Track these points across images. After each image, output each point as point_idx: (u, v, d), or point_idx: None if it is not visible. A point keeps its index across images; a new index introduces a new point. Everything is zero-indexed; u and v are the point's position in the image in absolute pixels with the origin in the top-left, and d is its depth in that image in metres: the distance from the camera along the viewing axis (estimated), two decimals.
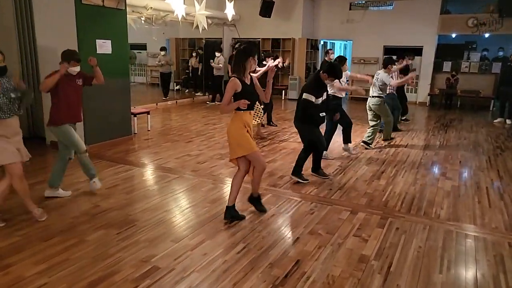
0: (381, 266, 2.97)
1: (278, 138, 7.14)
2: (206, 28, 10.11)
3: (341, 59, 6.00)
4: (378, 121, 6.67)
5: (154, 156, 5.90)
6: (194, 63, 12.74)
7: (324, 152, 5.62)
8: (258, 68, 6.74)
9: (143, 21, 9.97)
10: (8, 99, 3.40)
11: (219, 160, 5.65)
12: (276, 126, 8.22)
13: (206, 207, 4.02)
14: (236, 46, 12.68)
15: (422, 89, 12.39)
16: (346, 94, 6.83)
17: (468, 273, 2.94)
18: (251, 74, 3.65)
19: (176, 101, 11.36)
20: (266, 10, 11.80)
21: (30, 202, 3.63)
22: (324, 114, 4.70)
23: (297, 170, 4.82)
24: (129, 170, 5.13)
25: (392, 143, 6.91)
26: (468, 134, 7.95)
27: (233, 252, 3.12)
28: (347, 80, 6.67)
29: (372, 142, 6.60)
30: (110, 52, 6.10)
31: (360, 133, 7.32)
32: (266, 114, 8.30)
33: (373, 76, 6.56)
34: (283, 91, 12.91)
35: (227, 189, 4.36)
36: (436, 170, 5.51)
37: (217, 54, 11.02)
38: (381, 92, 6.44)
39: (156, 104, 10.60)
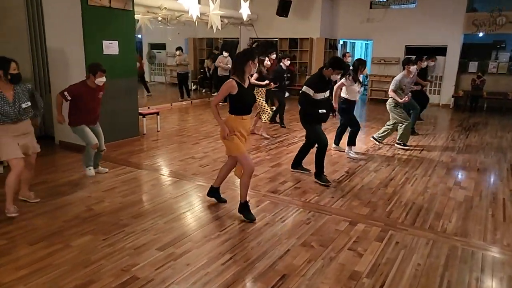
0: (372, 284, 2.75)
1: (287, 141, 6.95)
2: (220, 28, 9.99)
3: (360, 62, 5.71)
4: (395, 124, 6.52)
5: (158, 158, 5.85)
6: (210, 65, 12.66)
7: (346, 149, 6.01)
8: (257, 82, 6.79)
9: (159, 21, 10.01)
10: (17, 109, 3.56)
11: (221, 164, 5.50)
12: (285, 128, 8.01)
13: (199, 214, 3.91)
14: (254, 45, 12.56)
15: (445, 91, 11.85)
16: (361, 95, 6.64)
17: None
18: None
19: (191, 101, 11.34)
20: (283, 9, 11.63)
21: (11, 198, 3.68)
22: (324, 111, 4.59)
23: (296, 163, 4.82)
24: (130, 172, 5.08)
25: (406, 148, 6.58)
26: (491, 139, 7.49)
27: (218, 263, 2.98)
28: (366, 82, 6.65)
29: (382, 140, 6.75)
30: (117, 53, 6.10)
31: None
32: (278, 115, 8.14)
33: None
34: (300, 91, 12.64)
35: (223, 195, 4.22)
36: (450, 178, 5.17)
37: (224, 53, 10.83)
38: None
39: (171, 104, 10.60)
